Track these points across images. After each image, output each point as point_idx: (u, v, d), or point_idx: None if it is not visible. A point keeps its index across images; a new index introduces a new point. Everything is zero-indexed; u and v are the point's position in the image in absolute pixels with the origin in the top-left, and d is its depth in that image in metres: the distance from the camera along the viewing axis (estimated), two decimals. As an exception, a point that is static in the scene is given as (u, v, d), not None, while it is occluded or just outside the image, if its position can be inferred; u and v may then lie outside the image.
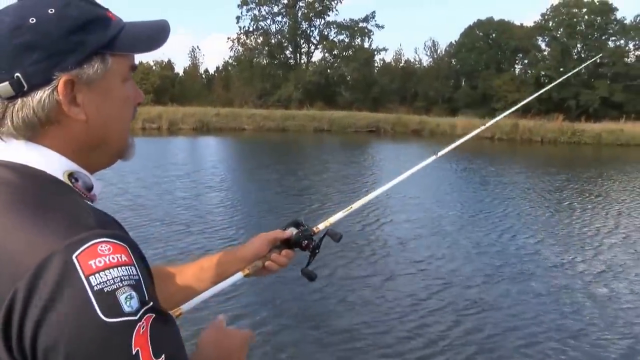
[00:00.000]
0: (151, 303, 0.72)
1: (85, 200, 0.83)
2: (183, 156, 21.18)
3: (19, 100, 0.79)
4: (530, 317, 5.62)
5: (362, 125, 37.08)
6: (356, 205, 1.63)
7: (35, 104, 0.79)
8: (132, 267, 0.71)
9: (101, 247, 0.70)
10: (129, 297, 0.69)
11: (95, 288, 0.67)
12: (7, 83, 0.78)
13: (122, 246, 0.72)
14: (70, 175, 0.83)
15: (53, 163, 0.82)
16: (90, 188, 0.86)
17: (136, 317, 0.69)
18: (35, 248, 0.69)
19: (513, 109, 2.24)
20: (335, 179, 14.94)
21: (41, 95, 0.79)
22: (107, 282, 0.68)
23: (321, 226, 1.47)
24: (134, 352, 0.68)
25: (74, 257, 0.68)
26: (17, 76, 0.77)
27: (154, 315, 0.72)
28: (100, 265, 0.68)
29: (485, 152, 25.11)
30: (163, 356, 0.70)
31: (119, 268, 0.70)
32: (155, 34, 0.91)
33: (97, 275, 0.68)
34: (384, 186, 1.70)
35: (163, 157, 19.33)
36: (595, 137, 32.42)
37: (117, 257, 0.70)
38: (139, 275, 0.72)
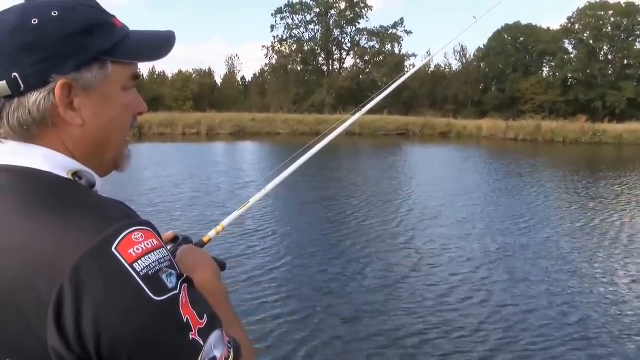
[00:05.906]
0: (184, 275, 0.78)
1: (97, 194, 0.84)
2: (224, 160, 22.40)
3: (16, 100, 0.78)
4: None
5: (392, 129, 38.27)
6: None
7: (31, 104, 0.78)
8: (163, 249, 0.76)
9: (135, 235, 0.73)
10: (169, 275, 0.74)
11: (142, 273, 0.71)
12: (4, 82, 0.76)
13: (150, 231, 0.76)
14: (75, 175, 0.82)
15: (57, 163, 0.81)
16: (92, 185, 0.86)
17: (177, 290, 0.75)
18: (71, 246, 0.70)
19: (363, 111, 2.00)
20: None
21: (37, 96, 0.78)
22: (149, 266, 0.72)
23: (212, 234, 1.36)
24: (185, 321, 0.74)
25: (113, 249, 0.70)
26: (15, 76, 0.76)
27: (187, 284, 0.77)
28: (139, 252, 0.72)
29: (509, 152, 25.98)
30: (205, 315, 0.78)
31: (155, 252, 0.74)
32: (159, 43, 0.90)
33: (139, 261, 0.71)
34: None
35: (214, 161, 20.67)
36: (616, 138, 33.21)
37: (150, 242, 0.74)
38: (169, 255, 0.77)
